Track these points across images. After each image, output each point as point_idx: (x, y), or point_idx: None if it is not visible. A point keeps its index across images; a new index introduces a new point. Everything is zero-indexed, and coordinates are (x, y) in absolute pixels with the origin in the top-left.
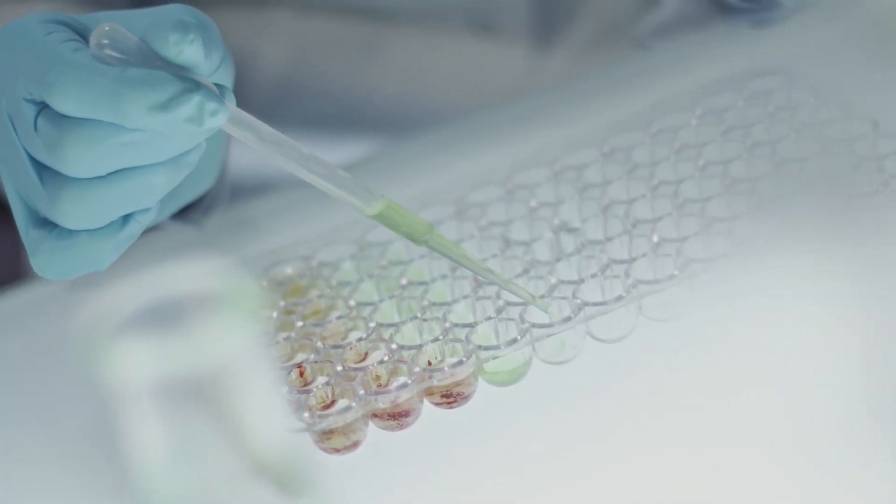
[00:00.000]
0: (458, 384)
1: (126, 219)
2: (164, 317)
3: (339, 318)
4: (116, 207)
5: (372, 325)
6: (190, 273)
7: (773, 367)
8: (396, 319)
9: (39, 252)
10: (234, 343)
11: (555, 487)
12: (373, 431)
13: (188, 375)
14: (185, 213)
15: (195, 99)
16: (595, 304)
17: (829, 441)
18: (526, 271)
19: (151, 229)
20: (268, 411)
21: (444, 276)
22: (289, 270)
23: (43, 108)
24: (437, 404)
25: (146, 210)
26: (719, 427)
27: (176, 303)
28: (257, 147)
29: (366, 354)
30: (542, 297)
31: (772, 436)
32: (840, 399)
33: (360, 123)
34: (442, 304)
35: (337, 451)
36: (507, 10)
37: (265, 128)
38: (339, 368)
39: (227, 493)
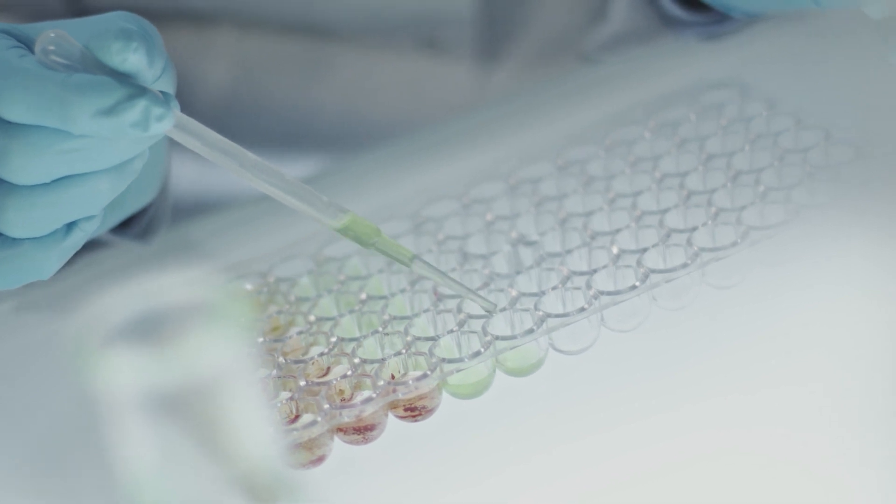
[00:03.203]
0: (422, 397)
1: (70, 227)
2: (151, 328)
3: (300, 333)
4: (61, 215)
5: (333, 339)
6: (175, 284)
7: (743, 375)
8: (357, 334)
9: None
10: (221, 353)
11: (518, 498)
12: (338, 446)
13: (174, 386)
14: (127, 228)
15: (141, 104)
16: (557, 316)
17: (823, 442)
18: (486, 284)
19: (98, 245)
20: (251, 423)
21: (403, 291)
22: (248, 286)
23: None
24: (402, 417)
25: (90, 218)
26: (685, 437)
27: (163, 314)
28: (204, 153)
29: (328, 369)
30: (503, 309)
31: (747, 440)
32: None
33: (306, 141)
34: (403, 318)
35: (302, 465)
36: (452, 26)
37: (212, 134)
38: (303, 383)
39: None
